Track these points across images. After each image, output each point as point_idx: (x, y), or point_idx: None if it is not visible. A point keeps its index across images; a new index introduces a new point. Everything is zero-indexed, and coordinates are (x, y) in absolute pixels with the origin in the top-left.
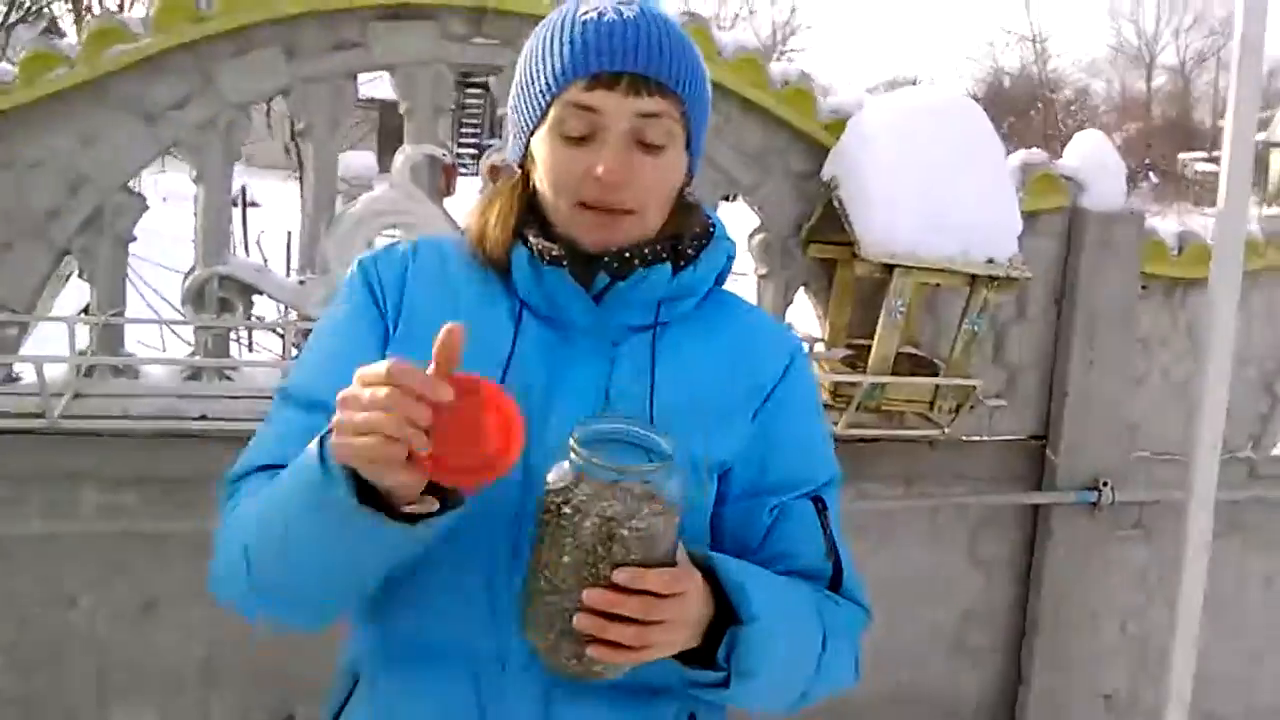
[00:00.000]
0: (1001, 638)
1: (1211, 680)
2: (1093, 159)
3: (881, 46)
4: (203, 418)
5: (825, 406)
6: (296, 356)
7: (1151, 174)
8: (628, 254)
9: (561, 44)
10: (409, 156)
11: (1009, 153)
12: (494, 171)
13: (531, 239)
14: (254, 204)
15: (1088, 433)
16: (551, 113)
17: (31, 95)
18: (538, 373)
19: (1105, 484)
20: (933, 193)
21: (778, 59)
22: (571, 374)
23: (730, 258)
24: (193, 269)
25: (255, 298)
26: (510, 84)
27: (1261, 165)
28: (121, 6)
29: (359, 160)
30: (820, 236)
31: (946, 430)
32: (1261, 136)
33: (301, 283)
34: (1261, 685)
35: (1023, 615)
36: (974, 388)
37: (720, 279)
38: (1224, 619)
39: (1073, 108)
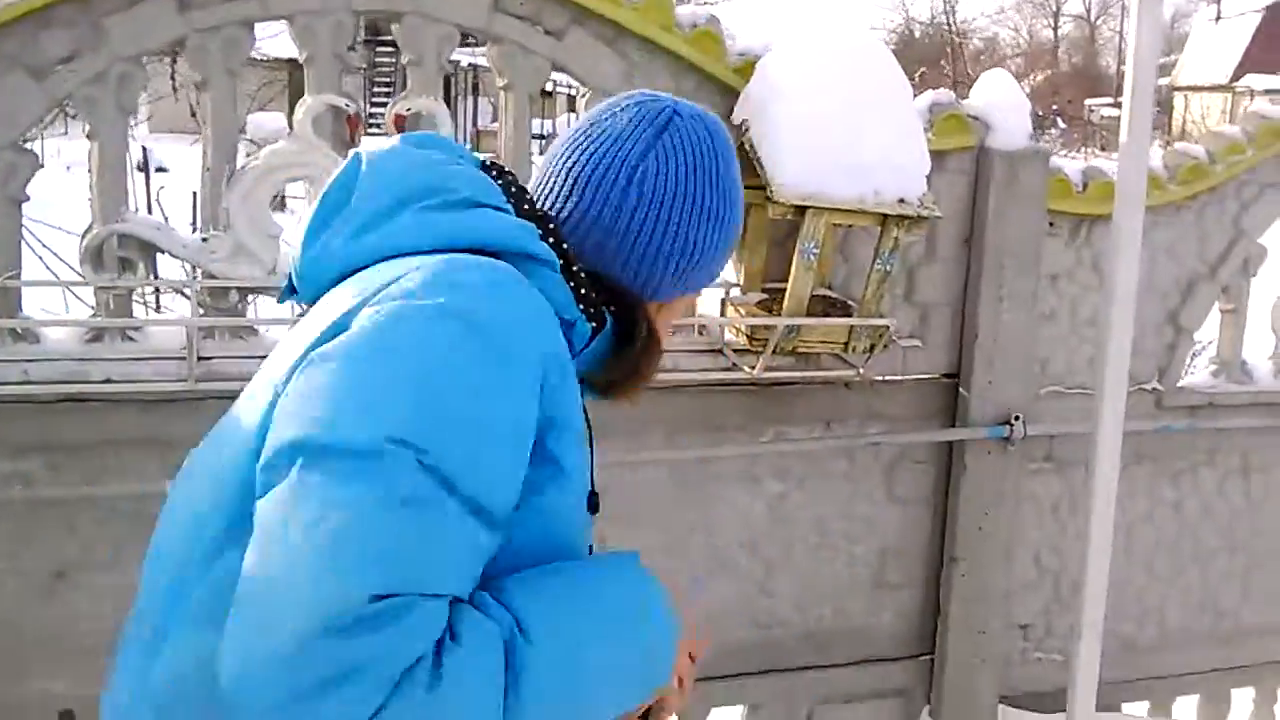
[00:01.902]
0: (919, 573)
1: (1124, 605)
2: (998, 99)
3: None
4: (108, 381)
5: (743, 351)
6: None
7: (1059, 120)
8: None
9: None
10: (310, 107)
11: None
12: (399, 121)
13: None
14: (161, 169)
15: (998, 369)
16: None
17: None
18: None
19: (1016, 419)
20: (843, 134)
21: (686, 2)
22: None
23: None
24: (90, 228)
25: (159, 257)
26: (413, 30)
27: (1165, 108)
28: None
29: (270, 121)
30: None
31: (861, 371)
32: (1165, 80)
33: (205, 240)
34: (1172, 608)
35: (940, 550)
36: (887, 327)
37: None
38: (1135, 547)
39: (982, 57)
